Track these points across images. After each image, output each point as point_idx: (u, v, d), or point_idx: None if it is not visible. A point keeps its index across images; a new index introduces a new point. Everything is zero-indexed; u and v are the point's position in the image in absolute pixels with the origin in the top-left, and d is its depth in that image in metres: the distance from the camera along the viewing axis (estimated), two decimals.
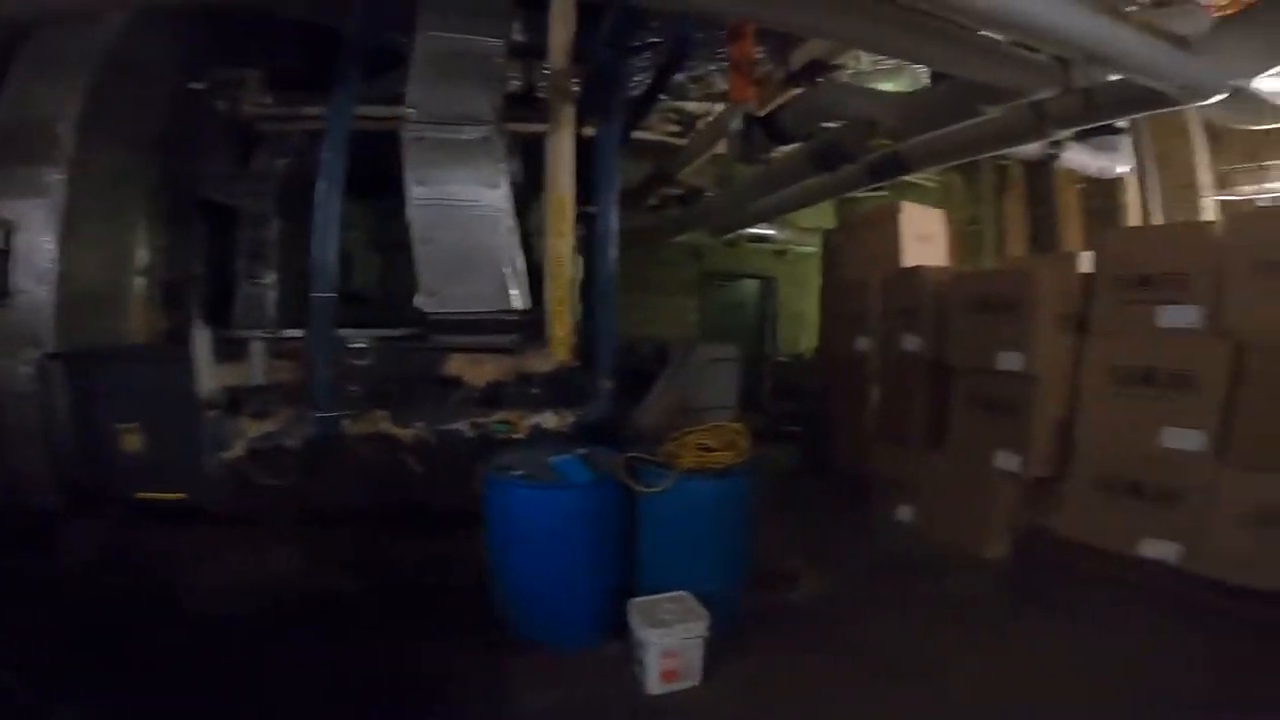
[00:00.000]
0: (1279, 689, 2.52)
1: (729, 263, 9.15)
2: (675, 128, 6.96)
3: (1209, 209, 5.21)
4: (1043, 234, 6.48)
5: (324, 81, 3.74)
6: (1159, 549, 3.37)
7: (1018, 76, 3.67)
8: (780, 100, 5.11)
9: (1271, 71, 3.37)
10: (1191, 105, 3.52)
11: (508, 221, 3.74)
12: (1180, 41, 3.17)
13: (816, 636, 2.99)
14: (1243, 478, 3.11)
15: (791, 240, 8.81)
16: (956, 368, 4.30)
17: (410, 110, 3.68)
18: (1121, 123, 5.31)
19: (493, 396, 3.46)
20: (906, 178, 7.43)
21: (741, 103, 4.86)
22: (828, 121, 4.71)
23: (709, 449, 2.97)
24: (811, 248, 7.60)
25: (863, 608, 3.29)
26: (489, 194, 3.72)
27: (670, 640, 2.50)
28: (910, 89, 5.09)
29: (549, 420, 3.40)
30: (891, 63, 5.21)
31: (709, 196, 7.06)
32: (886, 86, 5.06)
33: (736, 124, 4.89)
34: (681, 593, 2.71)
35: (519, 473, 2.85)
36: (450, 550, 3.30)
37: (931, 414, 4.49)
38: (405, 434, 3.34)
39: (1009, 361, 3.85)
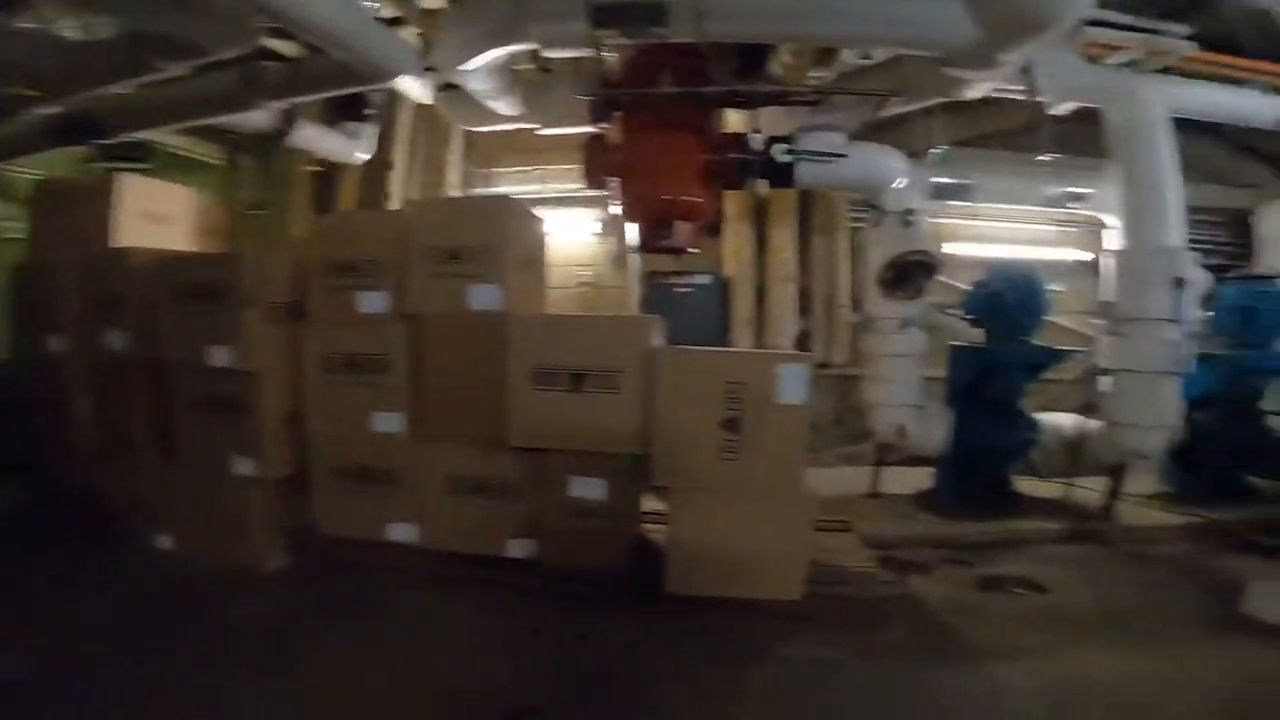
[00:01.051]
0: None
1: None
2: None
3: None
4: None
5: None
6: (401, 531, 3.43)
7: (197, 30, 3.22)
8: None
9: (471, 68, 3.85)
10: (379, 84, 3.74)
11: None
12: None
13: None
14: (434, 451, 3.36)
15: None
16: (173, 367, 3.60)
17: None
18: (371, 111, 5.52)
19: None
20: (184, 152, 6.32)
21: None
22: None
23: None
24: None
25: (123, 678, 2.42)
26: None
27: None
28: None
29: None
30: None
31: None
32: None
33: None
34: None
35: None
36: None
37: (157, 423, 3.69)
38: None
39: (223, 356, 3.36)
